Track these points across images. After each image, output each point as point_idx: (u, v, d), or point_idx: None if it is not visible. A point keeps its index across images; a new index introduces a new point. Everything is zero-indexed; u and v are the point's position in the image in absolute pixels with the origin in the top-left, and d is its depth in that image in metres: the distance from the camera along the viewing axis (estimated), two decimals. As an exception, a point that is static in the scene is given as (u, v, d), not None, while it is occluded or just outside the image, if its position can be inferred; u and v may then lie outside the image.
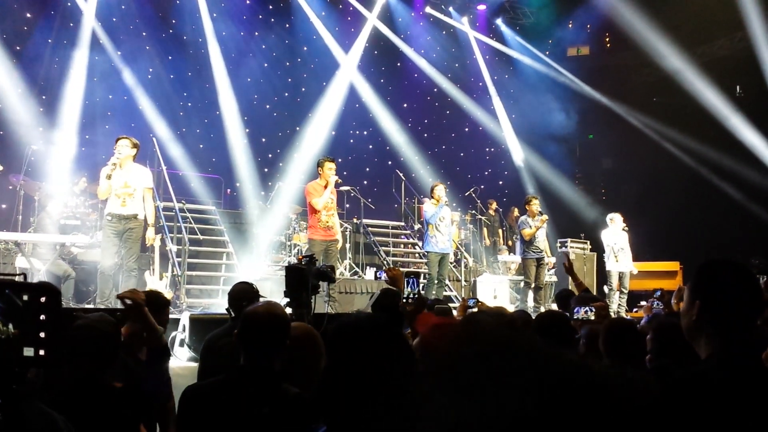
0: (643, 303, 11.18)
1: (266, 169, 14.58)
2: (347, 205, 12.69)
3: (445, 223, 9.32)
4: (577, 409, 0.71)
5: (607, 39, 17.68)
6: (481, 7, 17.28)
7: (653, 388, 1.66)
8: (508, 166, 17.33)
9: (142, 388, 2.66)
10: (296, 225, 10.91)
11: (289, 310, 4.10)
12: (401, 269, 4.47)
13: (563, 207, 15.79)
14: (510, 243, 14.54)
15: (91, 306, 7.11)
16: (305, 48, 15.70)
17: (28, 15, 12.51)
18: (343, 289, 9.11)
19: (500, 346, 0.79)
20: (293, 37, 15.65)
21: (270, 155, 15.08)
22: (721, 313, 1.79)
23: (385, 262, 11.56)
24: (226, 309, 3.98)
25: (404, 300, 3.98)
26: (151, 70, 13.62)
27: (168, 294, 8.12)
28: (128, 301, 2.89)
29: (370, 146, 16.42)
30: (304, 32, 15.53)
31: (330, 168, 8.09)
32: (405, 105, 17.31)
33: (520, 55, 17.52)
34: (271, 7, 15.43)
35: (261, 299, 4.05)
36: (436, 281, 9.21)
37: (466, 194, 14.24)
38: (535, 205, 9.92)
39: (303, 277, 4.10)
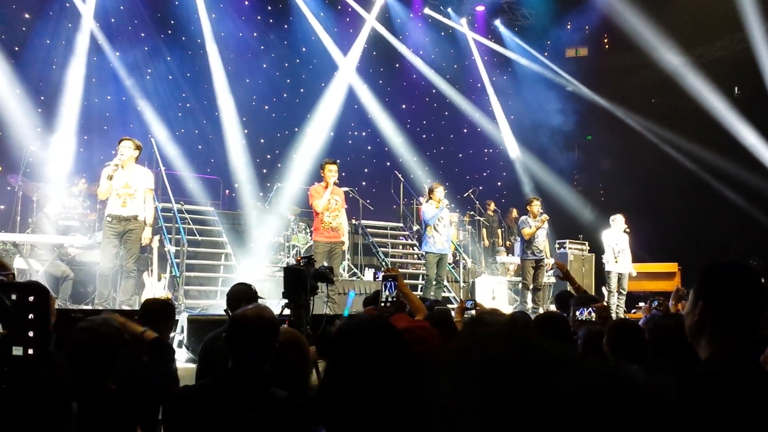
0: (641, 304, 11.20)
1: (265, 170, 14.58)
2: (346, 206, 12.66)
3: (443, 224, 9.32)
4: (611, 417, 0.70)
5: (606, 40, 17.70)
6: (480, 8, 17.29)
7: (689, 394, 1.67)
8: (507, 167, 17.34)
9: (144, 390, 2.65)
10: (295, 226, 10.90)
11: (287, 311, 4.09)
12: (399, 269, 4.43)
13: (562, 208, 15.79)
14: (508, 244, 14.54)
15: (89, 307, 7.10)
16: (304, 49, 15.70)
17: (27, 16, 12.51)
18: (341, 290, 9.11)
19: (530, 351, 0.78)
20: (292, 37, 15.65)
21: (269, 156, 15.08)
22: (724, 315, 1.79)
23: (383, 263, 11.56)
24: (225, 310, 3.98)
25: (382, 303, 3.94)
26: (149, 70, 13.62)
27: (166, 295, 8.12)
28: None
29: (369, 147, 16.42)
30: (303, 33, 15.53)
31: (330, 170, 8.16)
32: (403, 106, 17.31)
33: (519, 57, 17.52)
34: (269, 7, 15.44)
35: (260, 300, 4.06)
36: (434, 282, 9.20)
37: (465, 195, 14.23)
38: (536, 206, 9.95)
39: (301, 278, 4.09)
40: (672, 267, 12.25)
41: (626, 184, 15.35)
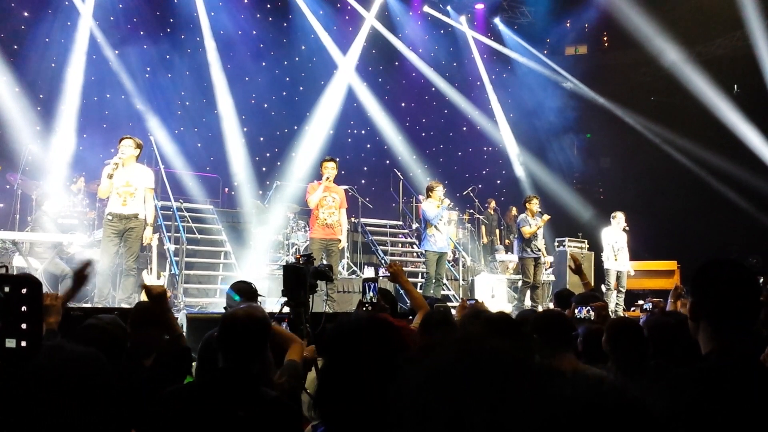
0: (640, 302, 11.22)
1: (264, 168, 14.58)
2: (345, 204, 12.69)
3: (443, 222, 9.33)
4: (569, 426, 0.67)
5: (605, 38, 17.71)
6: (479, 6, 17.29)
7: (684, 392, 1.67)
8: (506, 165, 17.35)
9: (141, 394, 2.64)
10: (294, 224, 10.90)
11: (286, 309, 4.10)
12: (401, 265, 4.40)
13: (561, 206, 15.81)
14: (507, 242, 14.56)
15: (88, 305, 7.10)
16: (303, 47, 15.70)
17: (26, 14, 12.50)
18: (341, 288, 9.13)
19: (483, 359, 0.75)
20: (291, 35, 15.65)
21: (268, 154, 15.08)
22: (714, 311, 1.80)
23: (383, 261, 11.57)
24: (225, 308, 3.98)
25: (364, 306, 3.91)
26: (148, 69, 13.61)
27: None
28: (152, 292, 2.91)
29: (368, 145, 16.43)
30: (302, 31, 15.54)
31: (326, 167, 8.19)
32: (403, 104, 17.31)
33: (518, 55, 17.52)
34: (268, 5, 15.43)
35: (260, 298, 4.06)
36: (434, 280, 9.21)
37: (464, 193, 14.25)
38: (535, 205, 9.93)
39: (301, 276, 4.09)
40: (671, 265, 12.25)
41: (625, 182, 15.38)
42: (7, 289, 1.53)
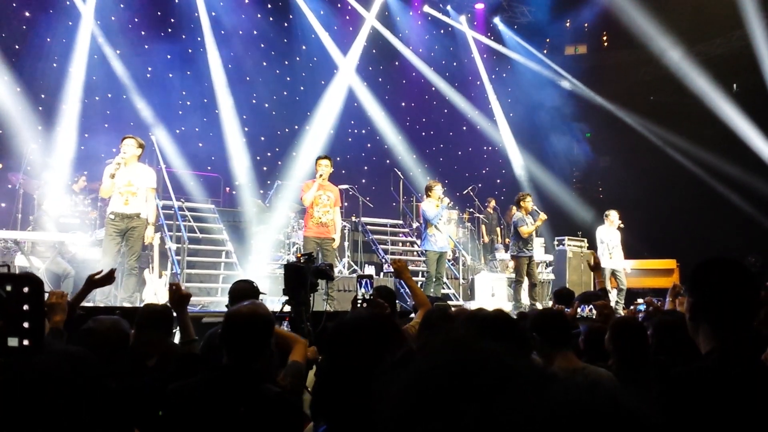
0: (640, 300, 11.23)
1: (265, 168, 14.60)
2: (346, 204, 12.71)
3: (443, 222, 9.35)
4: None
5: (605, 38, 17.71)
6: (479, 6, 17.31)
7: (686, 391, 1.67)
8: (506, 164, 17.37)
9: (147, 391, 2.67)
10: (295, 223, 10.93)
11: (288, 308, 4.13)
12: (406, 262, 4.39)
13: (560, 205, 15.83)
14: (507, 241, 14.57)
15: (90, 304, 7.13)
16: (304, 47, 15.72)
17: (27, 14, 12.52)
18: (341, 287, 9.15)
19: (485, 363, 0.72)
20: (292, 35, 15.67)
21: (269, 154, 15.10)
22: (714, 310, 1.80)
23: (383, 261, 11.59)
24: (226, 306, 4.01)
25: (358, 303, 3.90)
26: (150, 68, 13.63)
27: (167, 292, 8.15)
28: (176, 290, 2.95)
29: (369, 145, 16.45)
30: (303, 31, 15.56)
31: (320, 164, 8.17)
32: (403, 104, 17.33)
33: (518, 54, 17.54)
34: (269, 5, 15.45)
35: (261, 297, 4.09)
36: (434, 279, 9.23)
37: (464, 192, 14.27)
38: (529, 202, 9.88)
39: (302, 275, 4.12)
40: (670, 264, 12.27)
41: (625, 181, 15.38)
42: (9, 287, 1.55)
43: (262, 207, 11.78)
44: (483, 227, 14.25)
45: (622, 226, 10.50)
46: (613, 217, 10.47)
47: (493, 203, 14.78)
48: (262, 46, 15.07)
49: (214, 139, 14.03)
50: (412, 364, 0.76)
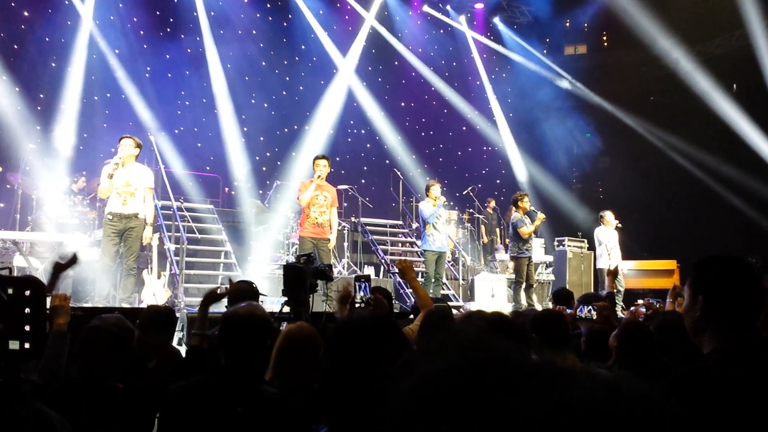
0: (640, 301, 11.22)
1: (264, 168, 14.59)
2: (345, 204, 12.71)
3: (441, 222, 9.33)
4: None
5: (605, 38, 17.71)
6: (479, 6, 17.30)
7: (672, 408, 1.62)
8: (506, 165, 17.35)
9: (149, 391, 2.67)
10: (294, 224, 10.92)
11: (287, 309, 4.11)
12: (409, 263, 4.32)
13: (560, 206, 15.82)
14: (507, 241, 14.56)
15: (89, 305, 7.11)
16: (303, 46, 15.71)
17: (26, 14, 12.51)
18: (340, 288, 9.11)
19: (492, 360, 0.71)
20: (291, 35, 15.66)
21: (268, 154, 15.09)
22: (726, 309, 1.77)
23: (383, 261, 11.58)
24: (226, 307, 3.99)
25: (356, 304, 3.86)
26: (148, 68, 13.62)
27: (166, 293, 8.14)
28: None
29: (368, 145, 16.44)
30: (302, 31, 15.55)
31: (318, 164, 8.09)
32: (402, 104, 17.33)
33: (517, 54, 17.53)
34: (268, 5, 15.44)
35: (261, 298, 4.08)
36: (433, 280, 9.21)
37: (464, 193, 14.26)
38: (527, 202, 9.84)
39: (301, 275, 4.11)
40: (671, 264, 12.26)
41: (625, 182, 15.37)
42: (10, 290, 1.54)
43: (262, 207, 11.77)
44: (483, 228, 14.24)
45: (620, 225, 10.47)
46: (608, 217, 10.45)
47: (492, 204, 14.77)
48: (261, 45, 15.06)
49: (213, 139, 14.03)
50: (424, 364, 0.75)
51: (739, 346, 1.74)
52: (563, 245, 11.86)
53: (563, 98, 17.04)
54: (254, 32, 15.09)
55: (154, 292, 8.10)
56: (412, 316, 5.47)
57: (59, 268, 3.80)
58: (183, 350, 6.29)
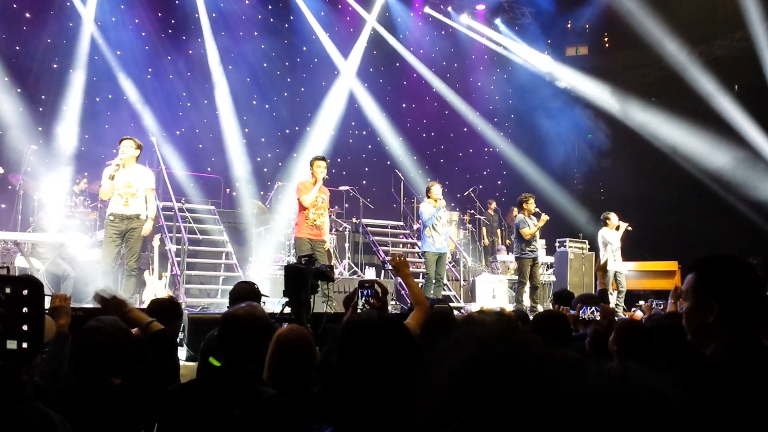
0: (641, 302, 11.21)
1: (266, 169, 14.59)
2: (346, 205, 12.71)
3: (441, 223, 9.32)
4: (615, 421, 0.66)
5: (606, 39, 17.71)
6: (480, 7, 17.29)
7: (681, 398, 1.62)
8: (507, 166, 17.34)
9: (146, 386, 2.67)
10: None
11: (288, 310, 4.11)
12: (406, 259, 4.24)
13: (561, 206, 15.81)
14: (508, 242, 14.56)
15: (90, 306, 7.12)
16: (304, 48, 15.71)
17: (28, 15, 12.52)
18: (341, 288, 9.13)
19: (528, 351, 0.76)
20: (292, 36, 15.67)
21: (269, 155, 15.09)
22: (739, 313, 1.74)
23: (384, 262, 11.58)
24: (227, 308, 4.00)
25: (358, 311, 3.80)
26: (150, 69, 13.64)
27: (167, 294, 8.15)
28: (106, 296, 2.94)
29: (369, 146, 16.44)
30: (304, 32, 15.55)
31: (319, 166, 8.04)
32: (404, 105, 17.33)
33: (518, 56, 17.52)
34: (270, 6, 15.44)
35: (263, 298, 4.08)
36: (434, 281, 9.21)
37: (465, 194, 14.26)
38: (532, 204, 9.84)
39: (302, 276, 4.11)
40: (672, 265, 12.25)
41: (626, 182, 15.36)
42: (8, 290, 1.53)
43: (263, 208, 11.77)
44: (484, 229, 14.24)
45: (630, 228, 10.44)
46: (613, 219, 10.43)
47: (494, 205, 14.77)
48: (263, 47, 15.06)
49: (214, 141, 14.04)
50: (455, 356, 0.80)
51: (746, 350, 1.72)
52: (564, 246, 11.86)
53: (564, 99, 17.03)
54: (255, 34, 15.09)
55: (156, 293, 8.11)
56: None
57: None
58: (184, 350, 6.30)
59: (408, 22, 17.09)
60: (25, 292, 1.53)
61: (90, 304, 7.44)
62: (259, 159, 14.56)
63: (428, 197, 9.32)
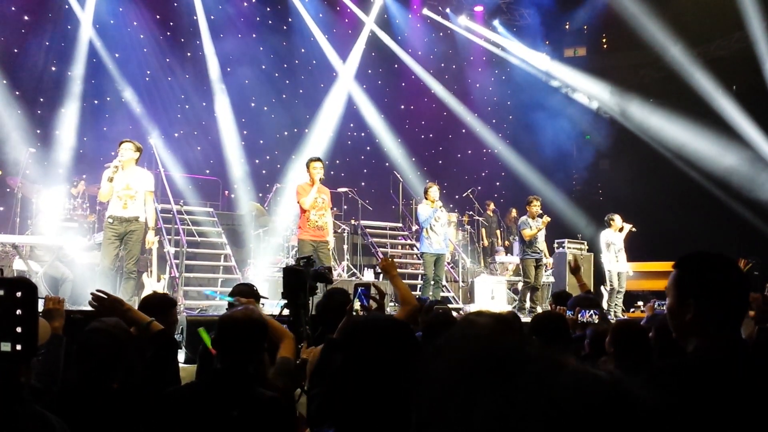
0: (640, 303, 11.21)
1: (264, 171, 14.59)
2: (345, 207, 12.71)
3: (440, 224, 9.31)
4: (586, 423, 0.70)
5: (604, 40, 17.72)
6: (478, 9, 17.31)
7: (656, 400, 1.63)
8: (505, 167, 17.35)
9: (146, 387, 2.66)
10: (294, 226, 10.92)
11: (286, 312, 4.10)
12: (393, 260, 4.22)
13: (560, 208, 15.81)
14: (507, 243, 14.57)
15: (88, 308, 7.12)
16: (303, 50, 15.72)
17: (26, 18, 12.51)
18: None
19: (521, 352, 0.78)
20: (291, 38, 15.67)
21: (268, 157, 15.09)
22: (716, 311, 1.72)
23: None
24: (227, 310, 3.99)
25: (354, 312, 3.77)
26: (148, 72, 13.64)
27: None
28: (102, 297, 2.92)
29: (368, 147, 16.44)
30: (302, 34, 15.56)
31: (315, 167, 8.03)
32: (402, 106, 17.34)
33: (517, 57, 17.53)
34: (268, 9, 15.45)
35: (262, 300, 4.07)
36: (432, 282, 9.20)
37: (464, 195, 14.26)
38: (536, 207, 9.84)
39: (300, 278, 4.10)
40: (670, 266, 12.21)
41: (624, 184, 15.36)
42: (1, 292, 1.53)
43: (261, 210, 11.77)
44: (483, 230, 14.23)
45: (634, 229, 10.44)
46: (617, 221, 10.43)
47: (492, 206, 14.77)
48: (261, 49, 15.07)
49: (213, 143, 14.04)
50: (445, 355, 0.84)
51: (724, 348, 1.71)
52: (563, 247, 11.86)
53: (562, 101, 17.05)
54: (254, 35, 15.10)
55: (154, 296, 8.08)
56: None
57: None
58: (183, 353, 6.29)
59: (406, 23, 17.10)
60: (18, 294, 1.53)
61: (88, 308, 7.44)
62: (257, 161, 14.56)
63: (426, 199, 9.32)
